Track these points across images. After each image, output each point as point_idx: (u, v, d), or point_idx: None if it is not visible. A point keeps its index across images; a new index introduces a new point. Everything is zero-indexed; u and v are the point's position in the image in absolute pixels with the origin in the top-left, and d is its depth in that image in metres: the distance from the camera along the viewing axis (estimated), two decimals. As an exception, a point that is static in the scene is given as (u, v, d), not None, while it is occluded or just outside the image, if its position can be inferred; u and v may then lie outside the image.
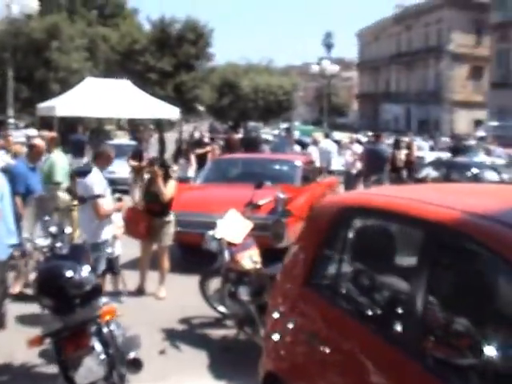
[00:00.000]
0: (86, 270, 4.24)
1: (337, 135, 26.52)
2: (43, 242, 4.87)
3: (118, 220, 6.99)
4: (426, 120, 51.71)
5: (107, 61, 36.66)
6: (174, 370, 5.19)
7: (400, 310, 2.79)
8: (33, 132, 15.71)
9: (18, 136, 15.74)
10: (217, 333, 6.13)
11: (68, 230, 5.05)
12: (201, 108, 45.80)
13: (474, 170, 13.30)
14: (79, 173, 6.94)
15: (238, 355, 5.42)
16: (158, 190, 7.25)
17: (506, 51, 42.11)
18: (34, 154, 7.47)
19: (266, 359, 3.62)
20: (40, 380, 4.92)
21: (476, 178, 12.58)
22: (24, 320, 6.08)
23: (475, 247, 2.35)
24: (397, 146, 15.17)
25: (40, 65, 29.80)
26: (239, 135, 20.77)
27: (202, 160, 14.61)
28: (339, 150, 17.08)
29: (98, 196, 6.04)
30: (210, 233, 5.94)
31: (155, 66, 37.13)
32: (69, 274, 4.12)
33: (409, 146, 15.76)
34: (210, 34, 39.63)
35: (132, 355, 4.34)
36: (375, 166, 13.57)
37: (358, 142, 18.35)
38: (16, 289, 6.89)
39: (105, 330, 4.25)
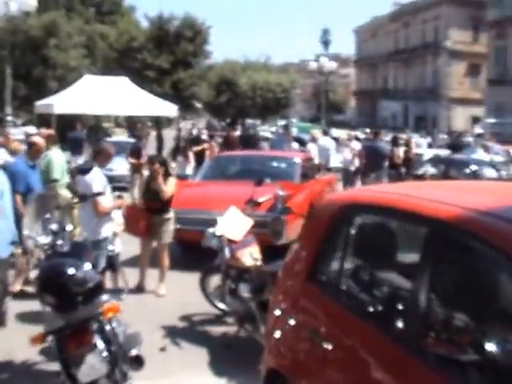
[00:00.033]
0: (87, 268, 4.25)
1: (335, 132, 26.55)
2: (44, 239, 4.86)
3: (118, 217, 6.99)
4: (424, 117, 51.72)
5: (105, 58, 36.65)
6: (174, 367, 5.20)
7: (402, 307, 2.80)
8: (31, 129, 15.65)
9: (16, 133, 15.71)
10: (217, 330, 6.14)
11: (69, 227, 5.06)
12: (198, 105, 45.81)
13: (473, 167, 13.31)
14: (80, 170, 6.94)
15: (238, 352, 5.43)
16: (159, 187, 7.25)
17: (504, 48, 42.12)
18: (33, 151, 7.38)
19: (268, 356, 3.63)
20: (40, 378, 4.92)
21: (475, 175, 12.59)
22: (24, 318, 6.08)
23: (478, 244, 2.36)
24: (395, 143, 15.21)
25: (38, 62, 29.73)
26: (237, 132, 20.74)
27: (199, 157, 14.63)
28: (337, 147, 17.04)
29: (99, 194, 6.06)
30: (210, 230, 5.95)
31: (153, 63, 37.17)
32: (71, 271, 4.13)
33: (407, 143, 15.81)
34: (207, 32, 39.66)
35: (134, 352, 4.34)
36: (374, 163, 13.60)
37: (357, 139, 18.34)
38: (16, 287, 6.88)
39: (107, 327, 4.25)
